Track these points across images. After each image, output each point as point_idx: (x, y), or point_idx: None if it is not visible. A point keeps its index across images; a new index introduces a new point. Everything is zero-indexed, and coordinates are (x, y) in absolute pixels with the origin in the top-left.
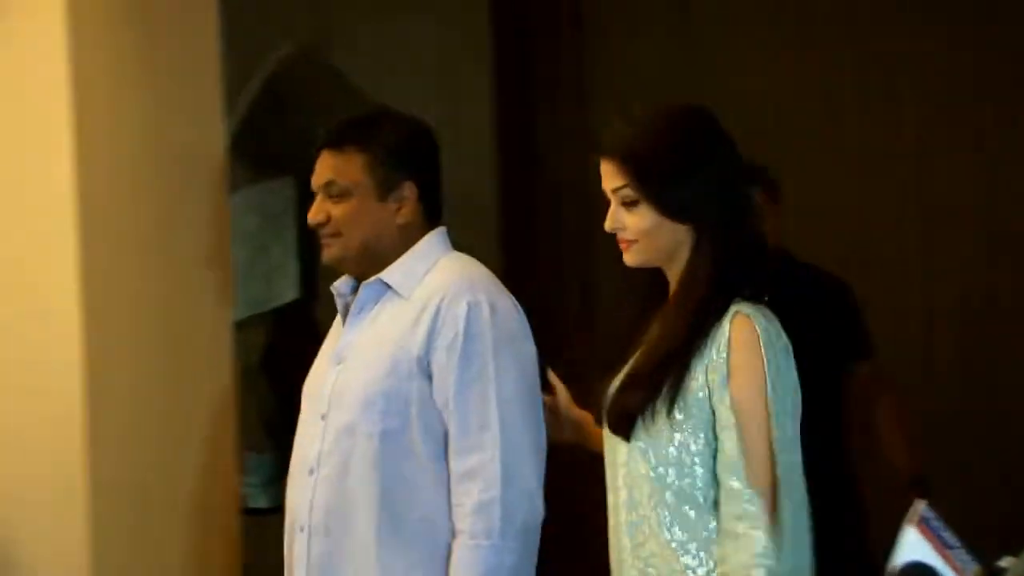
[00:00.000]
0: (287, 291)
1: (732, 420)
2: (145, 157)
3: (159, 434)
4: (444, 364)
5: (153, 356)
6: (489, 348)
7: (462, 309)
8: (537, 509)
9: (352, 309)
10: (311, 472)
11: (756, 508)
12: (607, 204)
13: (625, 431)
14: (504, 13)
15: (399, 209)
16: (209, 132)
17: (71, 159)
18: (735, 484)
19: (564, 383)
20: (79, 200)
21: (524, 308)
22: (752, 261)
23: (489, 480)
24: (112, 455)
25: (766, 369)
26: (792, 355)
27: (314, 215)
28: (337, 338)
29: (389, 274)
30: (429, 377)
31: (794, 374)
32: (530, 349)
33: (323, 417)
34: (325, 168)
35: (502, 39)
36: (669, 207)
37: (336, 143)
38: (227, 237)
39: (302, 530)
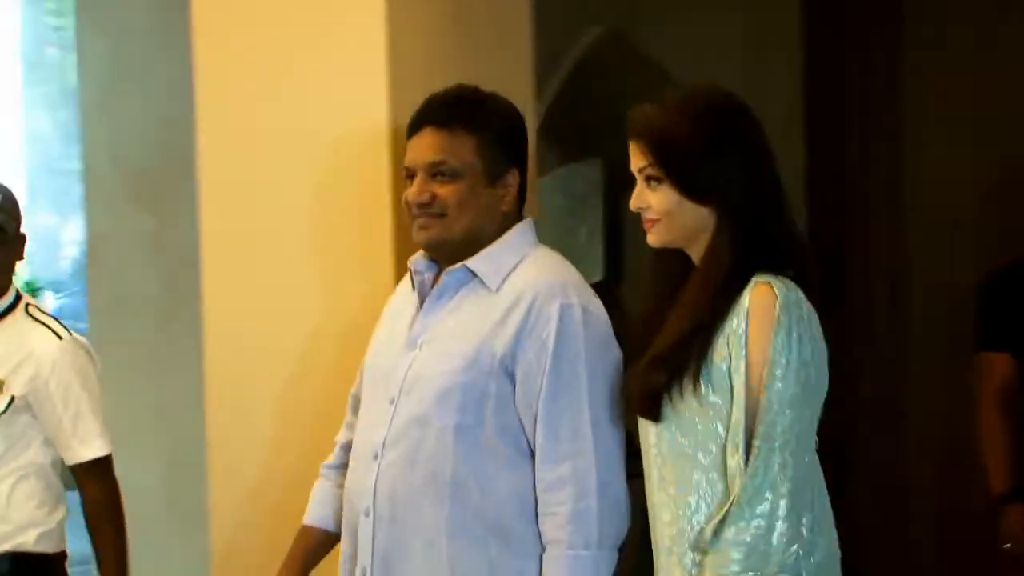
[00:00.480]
0: (593, 272)
1: (743, 391)
2: None
3: None
4: (533, 367)
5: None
6: (581, 354)
7: (554, 310)
8: (626, 519)
9: (432, 293)
10: (375, 456)
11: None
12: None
13: (653, 411)
14: (816, 2)
15: (503, 197)
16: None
17: (388, 140)
18: (733, 463)
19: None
20: (393, 190)
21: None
22: (776, 244)
23: (584, 489)
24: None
25: (773, 332)
26: (818, 326)
27: (418, 194)
28: (409, 319)
29: (477, 263)
30: (510, 376)
31: (817, 347)
32: (618, 355)
33: (392, 402)
34: (431, 147)
35: (813, 29)
36: (690, 187)
37: (444, 122)
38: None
39: (367, 515)
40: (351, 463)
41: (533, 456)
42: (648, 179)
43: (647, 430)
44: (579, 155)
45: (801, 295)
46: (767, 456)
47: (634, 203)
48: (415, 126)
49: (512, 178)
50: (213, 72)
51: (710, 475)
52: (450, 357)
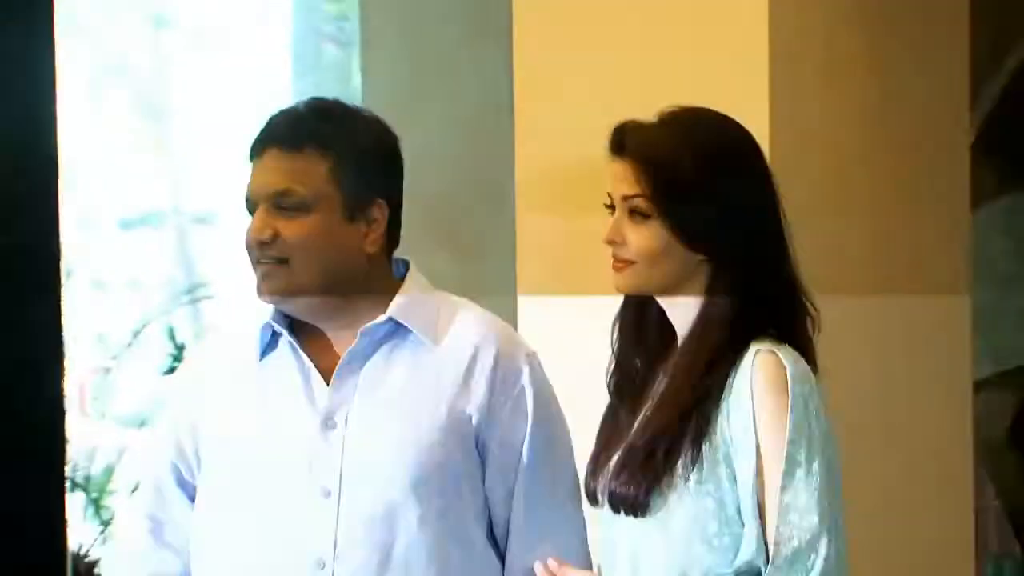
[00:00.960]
0: None
1: (750, 478)
2: (859, 155)
3: (869, 519)
4: (510, 433)
5: (863, 418)
6: (553, 412)
7: (522, 363)
8: None
9: (343, 357)
10: (321, 566)
11: None
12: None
13: (637, 509)
14: None
15: (367, 234)
16: (949, 121)
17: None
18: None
19: None
20: None
21: None
22: (778, 303)
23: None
24: None
25: (789, 409)
26: (822, 400)
27: (258, 230)
28: (296, 391)
29: (402, 314)
30: (481, 447)
31: (830, 426)
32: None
33: (327, 495)
34: (275, 172)
35: None
36: (686, 229)
37: (291, 141)
38: (967, 265)
39: None
40: None
41: (495, 541)
42: (632, 211)
43: (613, 524)
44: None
45: (806, 365)
46: (797, 557)
47: (608, 235)
48: (256, 149)
49: (378, 211)
50: (537, 77)
51: (698, 569)
52: (417, 431)
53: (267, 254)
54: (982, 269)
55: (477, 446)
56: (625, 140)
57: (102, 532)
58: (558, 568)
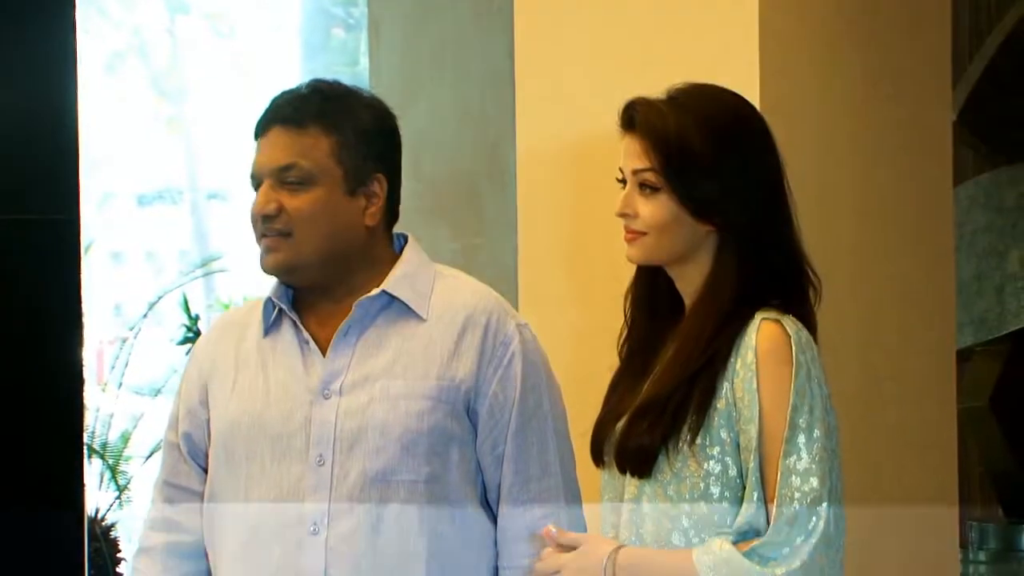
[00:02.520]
0: None
1: (755, 442)
2: (847, 134)
3: (855, 486)
4: (499, 400)
5: (854, 390)
6: (543, 380)
7: (511, 333)
8: None
9: (339, 329)
10: (314, 532)
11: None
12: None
13: (643, 469)
14: None
15: (367, 208)
16: (932, 101)
17: None
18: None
19: None
20: None
21: None
22: (783, 273)
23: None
24: None
25: (792, 376)
26: (823, 369)
27: (263, 205)
28: (294, 362)
29: (396, 287)
30: (471, 414)
31: (829, 392)
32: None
33: (321, 462)
34: (279, 148)
35: None
36: (693, 201)
37: (294, 120)
38: (950, 241)
39: None
40: (257, 543)
41: (487, 504)
42: (642, 185)
43: (622, 484)
44: (1009, 156)
45: (808, 333)
46: (797, 519)
47: (619, 208)
48: (260, 126)
49: (378, 186)
50: (538, 55)
51: (692, 539)
52: (408, 399)
53: (272, 227)
54: (964, 243)
55: (468, 413)
56: (635, 116)
57: (118, 497)
58: (555, 534)
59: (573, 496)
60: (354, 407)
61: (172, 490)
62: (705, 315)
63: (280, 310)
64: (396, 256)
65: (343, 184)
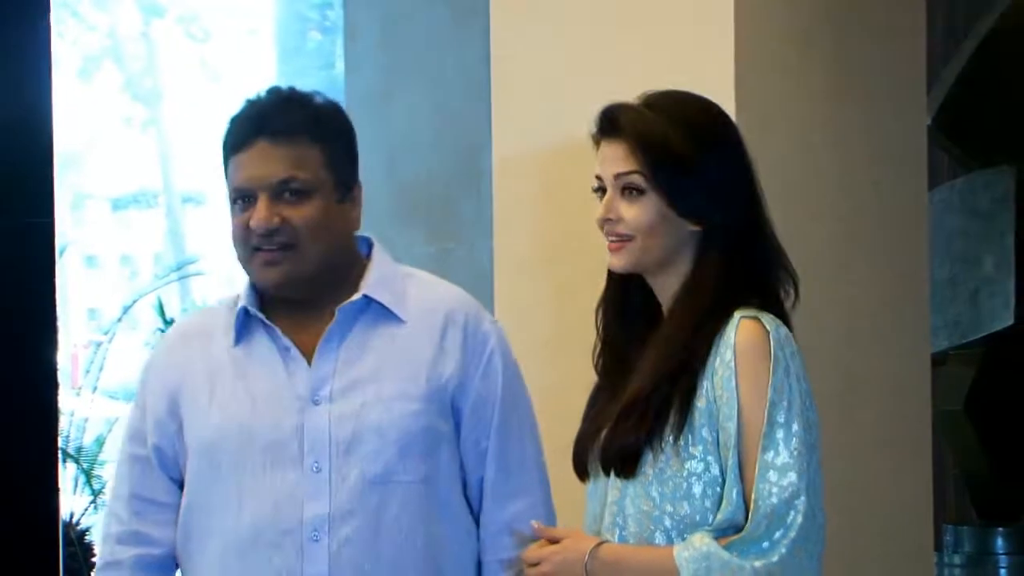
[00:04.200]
0: (1000, 315)
1: (734, 440)
2: (821, 138)
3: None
4: (483, 396)
5: (829, 393)
6: (518, 375)
7: (489, 330)
8: None
9: (323, 335)
10: (315, 538)
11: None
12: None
13: (628, 468)
14: None
15: (352, 213)
16: (907, 105)
17: None
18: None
19: None
20: None
21: None
22: (762, 271)
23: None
24: None
25: (771, 372)
26: (804, 365)
27: (267, 219)
28: (275, 371)
29: (375, 291)
30: (456, 412)
31: (810, 389)
32: None
33: (319, 471)
34: (274, 161)
35: None
36: (680, 200)
37: (284, 132)
38: (924, 244)
39: None
40: (224, 561)
41: (468, 502)
42: (626, 188)
43: (604, 490)
44: (984, 160)
45: (787, 330)
46: (775, 514)
47: (603, 213)
48: (241, 139)
49: (358, 190)
50: (514, 60)
51: (674, 539)
52: (401, 400)
53: (275, 240)
54: (939, 247)
55: (452, 411)
56: (616, 120)
57: (93, 501)
58: (539, 529)
59: (547, 489)
60: (347, 412)
61: (140, 503)
62: (683, 315)
63: (247, 317)
64: (364, 260)
65: (335, 192)
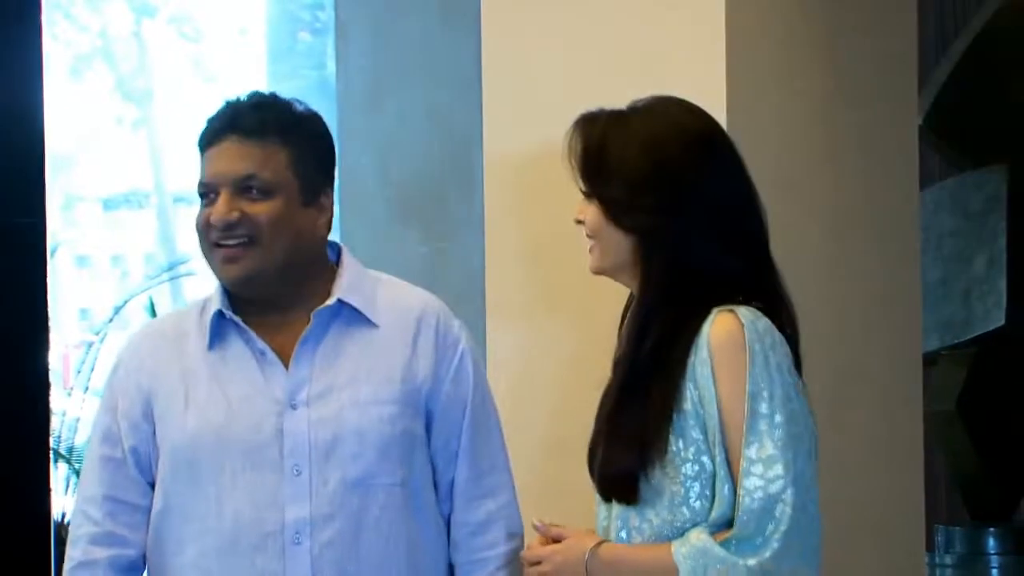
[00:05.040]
0: (992, 315)
1: (718, 440)
2: (813, 138)
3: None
4: (452, 398)
5: (820, 393)
6: (485, 377)
7: (457, 333)
8: None
9: (300, 339)
10: (296, 541)
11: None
12: None
13: (629, 499)
14: None
15: (318, 219)
16: (898, 106)
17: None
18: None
19: None
20: None
21: None
22: (735, 272)
23: (513, 527)
24: None
25: (749, 365)
26: (790, 356)
27: (226, 212)
28: (251, 374)
29: (348, 295)
30: (428, 414)
31: (798, 382)
32: None
33: (299, 474)
34: (238, 158)
35: None
36: (612, 208)
37: (253, 131)
38: (916, 244)
39: None
40: (202, 564)
41: (439, 503)
42: (584, 192)
43: (606, 506)
44: (976, 160)
45: (770, 323)
46: (763, 509)
47: (576, 214)
48: (213, 136)
49: (327, 199)
50: (505, 60)
51: (677, 535)
52: (377, 404)
53: (235, 233)
54: (930, 247)
55: (425, 413)
56: (578, 127)
57: None
58: (543, 527)
59: (515, 490)
60: (326, 416)
61: (114, 504)
62: (630, 328)
63: (221, 320)
64: (333, 266)
65: (299, 196)
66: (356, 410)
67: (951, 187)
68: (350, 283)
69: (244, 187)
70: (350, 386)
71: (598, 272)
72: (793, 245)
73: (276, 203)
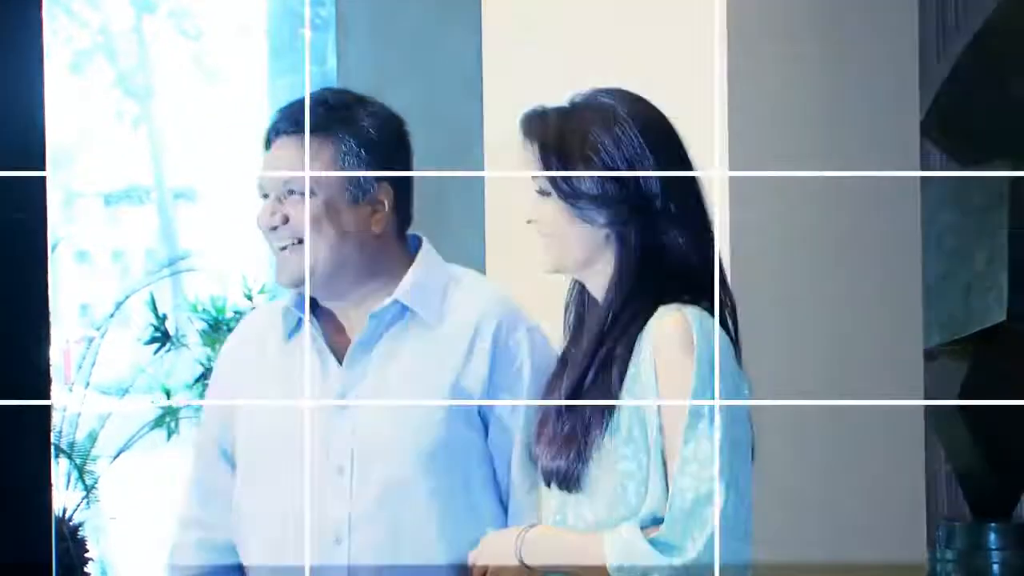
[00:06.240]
0: (993, 312)
1: (657, 438)
2: (814, 135)
3: (823, 486)
4: (509, 408)
5: (819, 390)
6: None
7: (522, 336)
8: None
9: (354, 342)
10: (336, 541)
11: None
12: None
13: (571, 485)
14: None
15: (373, 215)
16: (899, 104)
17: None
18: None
19: None
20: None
21: None
22: (684, 269)
23: None
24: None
25: (695, 365)
26: (735, 357)
27: (269, 218)
28: (309, 374)
29: (407, 296)
30: (484, 419)
31: (741, 383)
32: None
33: (342, 473)
34: (281, 160)
35: None
36: (576, 202)
37: (297, 130)
38: (917, 240)
39: None
40: (263, 556)
41: (504, 507)
42: (538, 191)
43: (545, 497)
44: (977, 156)
45: (716, 323)
46: (693, 511)
47: (528, 214)
48: (268, 138)
49: (383, 194)
50: (506, 57)
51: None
52: (425, 409)
53: (281, 237)
54: (931, 243)
55: (483, 419)
56: (524, 125)
57: (86, 496)
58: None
59: None
60: (371, 418)
61: (204, 490)
62: (600, 318)
63: (290, 316)
64: (409, 259)
65: (345, 193)
66: (403, 413)
67: (952, 183)
68: (415, 281)
69: (285, 189)
70: (400, 388)
71: (556, 271)
72: (793, 241)
73: (315, 203)
